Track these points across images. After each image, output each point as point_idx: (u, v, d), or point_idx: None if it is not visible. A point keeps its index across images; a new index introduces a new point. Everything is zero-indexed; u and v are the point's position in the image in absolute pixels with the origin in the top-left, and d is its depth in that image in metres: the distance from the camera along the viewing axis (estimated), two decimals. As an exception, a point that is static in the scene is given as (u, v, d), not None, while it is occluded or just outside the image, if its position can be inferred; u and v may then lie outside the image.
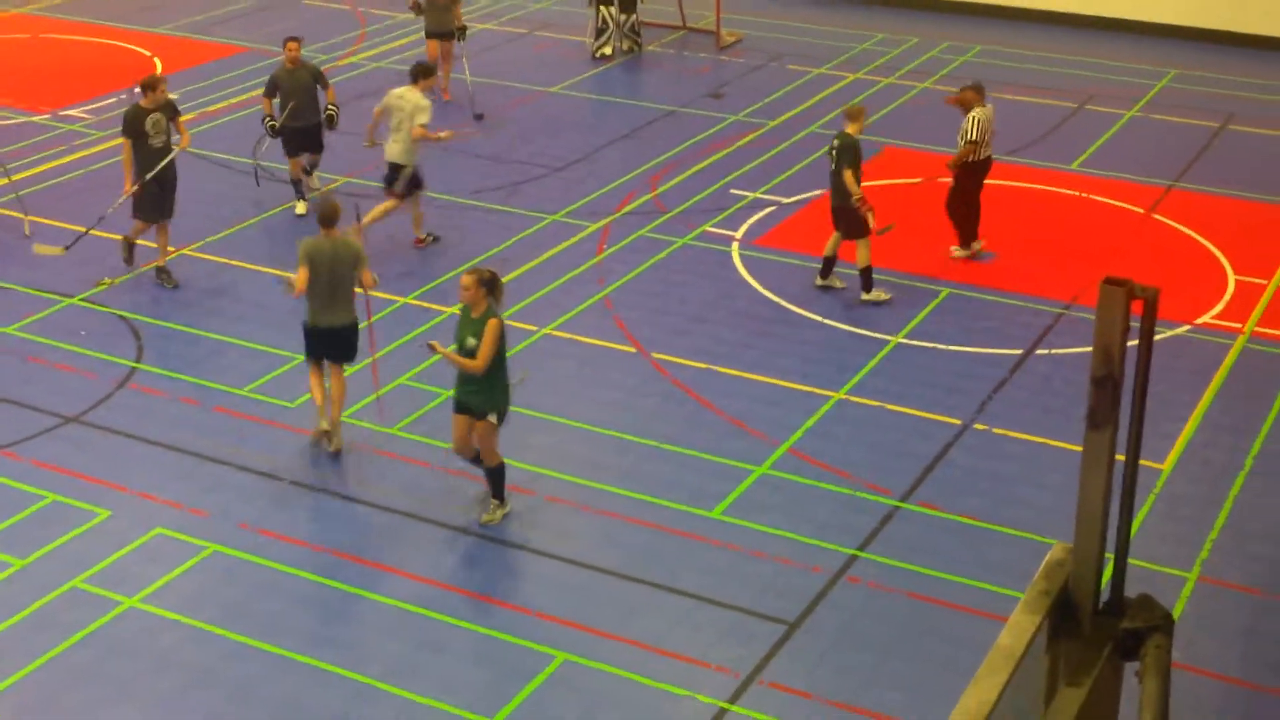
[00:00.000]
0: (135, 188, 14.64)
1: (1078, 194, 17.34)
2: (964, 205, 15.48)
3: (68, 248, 15.14)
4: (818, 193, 17.41)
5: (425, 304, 14.63)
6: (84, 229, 15.35)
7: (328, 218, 11.90)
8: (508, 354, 11.16)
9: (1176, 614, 10.17)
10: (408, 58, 22.36)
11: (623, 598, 10.45)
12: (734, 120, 19.95)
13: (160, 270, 15.08)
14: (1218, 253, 15.94)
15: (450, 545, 11.05)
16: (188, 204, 16.53)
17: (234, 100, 20.55)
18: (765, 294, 14.94)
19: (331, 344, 12.11)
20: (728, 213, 16.85)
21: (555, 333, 14.13)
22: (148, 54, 22.68)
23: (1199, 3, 23.73)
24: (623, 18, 22.78)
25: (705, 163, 18.36)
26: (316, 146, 16.89)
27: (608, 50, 22.77)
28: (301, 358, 13.29)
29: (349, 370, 12.38)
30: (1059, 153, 18.68)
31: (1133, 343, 5.39)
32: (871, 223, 14.35)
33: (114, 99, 20.50)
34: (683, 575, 10.65)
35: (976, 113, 15.10)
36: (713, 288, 15.10)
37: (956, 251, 15.61)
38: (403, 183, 15.70)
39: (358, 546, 10.98)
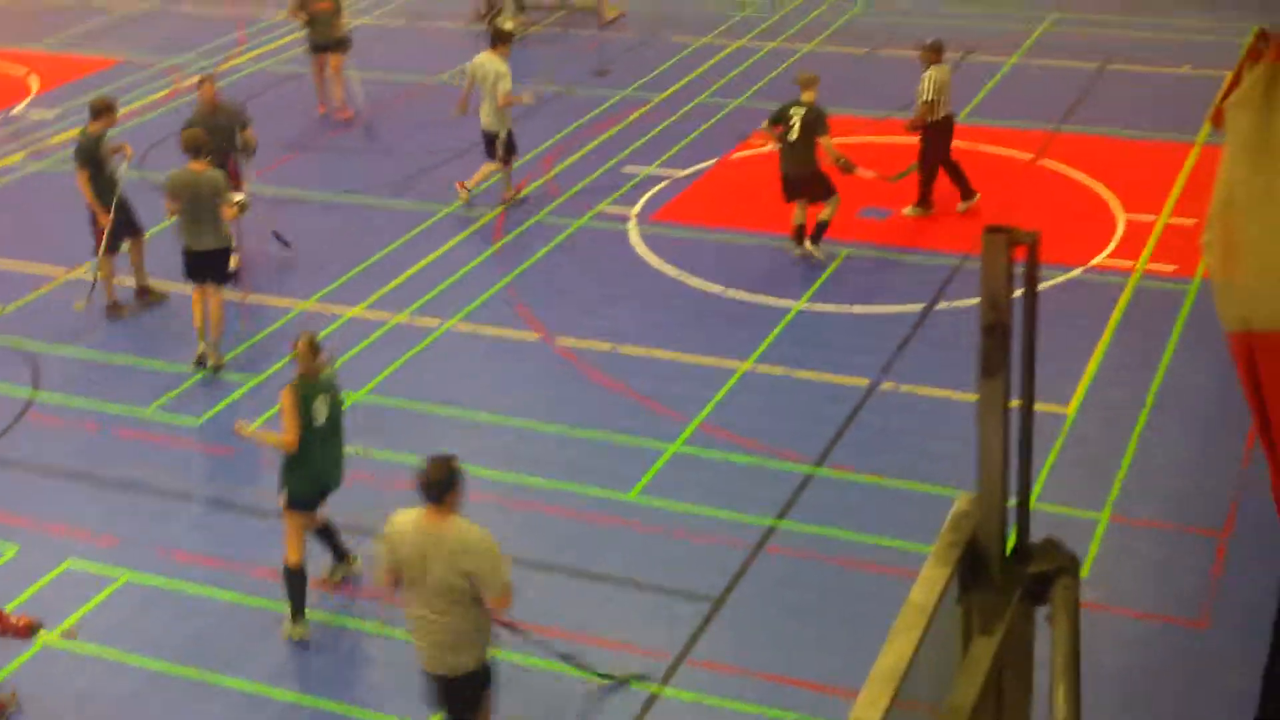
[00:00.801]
0: (109, 218, 14.02)
1: (966, 145, 17.47)
2: (931, 166, 15.56)
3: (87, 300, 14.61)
4: (710, 163, 17.46)
5: (324, 307, 14.46)
6: (91, 280, 14.71)
7: (192, 147, 13.10)
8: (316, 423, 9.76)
9: (1091, 554, 10.32)
10: (288, 58, 22.14)
11: (546, 588, 10.41)
12: (622, 97, 19.92)
13: (144, 290, 14.68)
14: (1106, 193, 16.15)
15: (370, 553, 10.95)
16: (74, 224, 16.26)
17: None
18: (665, 270, 14.94)
19: (205, 266, 13.23)
20: (622, 191, 16.83)
21: (459, 326, 14.05)
22: (23, 71, 22.24)
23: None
24: None
25: (596, 142, 18.32)
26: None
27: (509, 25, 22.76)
28: (201, 373, 13.20)
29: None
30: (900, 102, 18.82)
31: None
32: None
33: (-6, 120, 20.16)
34: (604, 560, 10.65)
35: (932, 71, 15.16)
36: (613, 267, 15.08)
37: (907, 211, 15.72)
38: (502, 148, 16.09)
39: (276, 562, 10.84)
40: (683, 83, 20.32)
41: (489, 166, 16.40)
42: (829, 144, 14.44)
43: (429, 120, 19.38)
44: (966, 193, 15.61)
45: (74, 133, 19.23)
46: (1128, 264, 14.54)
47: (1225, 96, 8.59)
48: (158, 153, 18.69)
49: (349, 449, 10.26)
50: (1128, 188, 16.20)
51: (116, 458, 12.20)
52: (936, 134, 15.37)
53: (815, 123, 14.42)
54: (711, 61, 21.12)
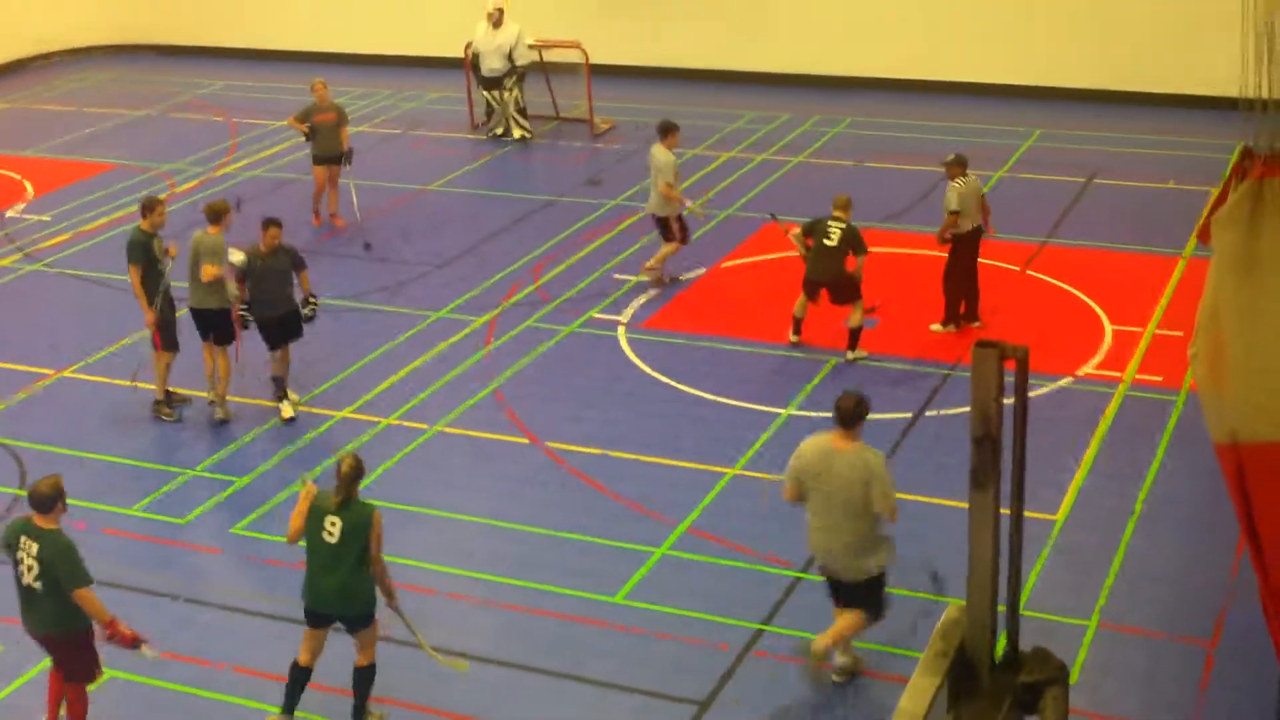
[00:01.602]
0: (155, 314, 14.06)
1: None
2: (957, 280, 15.67)
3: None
4: (700, 272, 17.59)
5: (313, 409, 14.49)
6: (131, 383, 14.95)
7: (212, 214, 14.08)
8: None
9: (1078, 662, 10.28)
10: (282, 164, 22.35)
11: (530, 691, 10.35)
12: (613, 205, 20.10)
13: (172, 398, 14.62)
14: (1093, 304, 16.28)
15: (349, 649, 10.88)
16: (66, 325, 16.38)
17: (104, 220, 20.33)
18: (655, 375, 15.01)
19: (208, 326, 14.11)
20: (612, 298, 16.93)
21: (447, 429, 14.07)
22: (17, 177, 22.42)
23: (1058, 63, 24.37)
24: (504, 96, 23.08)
25: (587, 249, 18.46)
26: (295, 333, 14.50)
27: (499, 130, 23.11)
28: (192, 472, 13.21)
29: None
30: (934, 217, 19.00)
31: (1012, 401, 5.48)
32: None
33: (-14, 224, 20.30)
34: (589, 663, 10.59)
35: (958, 183, 15.36)
36: (602, 373, 15.14)
37: (935, 327, 15.79)
38: (679, 228, 17.18)
39: (255, 660, 10.78)
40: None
41: (667, 248, 17.21)
42: (862, 261, 15.00)
43: (422, 227, 19.54)
44: (969, 316, 15.68)
45: (66, 236, 19.52)
46: (1115, 374, 14.63)
47: (1211, 212, 8.73)
48: (151, 254, 18.79)
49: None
50: (1115, 299, 16.34)
51: (102, 555, 12.08)
52: (964, 247, 15.53)
53: (854, 239, 14.93)
54: (702, 172, 21.34)
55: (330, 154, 19.45)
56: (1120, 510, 12.27)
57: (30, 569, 9.27)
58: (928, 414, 14.02)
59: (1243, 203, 8.41)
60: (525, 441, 13.79)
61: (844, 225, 15.02)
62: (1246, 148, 8.39)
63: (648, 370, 15.15)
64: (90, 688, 9.70)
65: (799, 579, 11.46)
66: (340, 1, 28.97)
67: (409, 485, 13.05)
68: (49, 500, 9.31)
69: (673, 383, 14.85)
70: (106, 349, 16.10)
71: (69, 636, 9.49)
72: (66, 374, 15.51)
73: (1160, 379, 14.44)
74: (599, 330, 16.11)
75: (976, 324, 15.72)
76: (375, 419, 14.23)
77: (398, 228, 19.56)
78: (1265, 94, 8.16)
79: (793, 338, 15.49)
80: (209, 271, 13.83)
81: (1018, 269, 17.38)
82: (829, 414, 13.91)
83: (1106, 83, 24.17)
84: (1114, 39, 23.88)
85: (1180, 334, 14.70)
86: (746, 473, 13.06)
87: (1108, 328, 15.67)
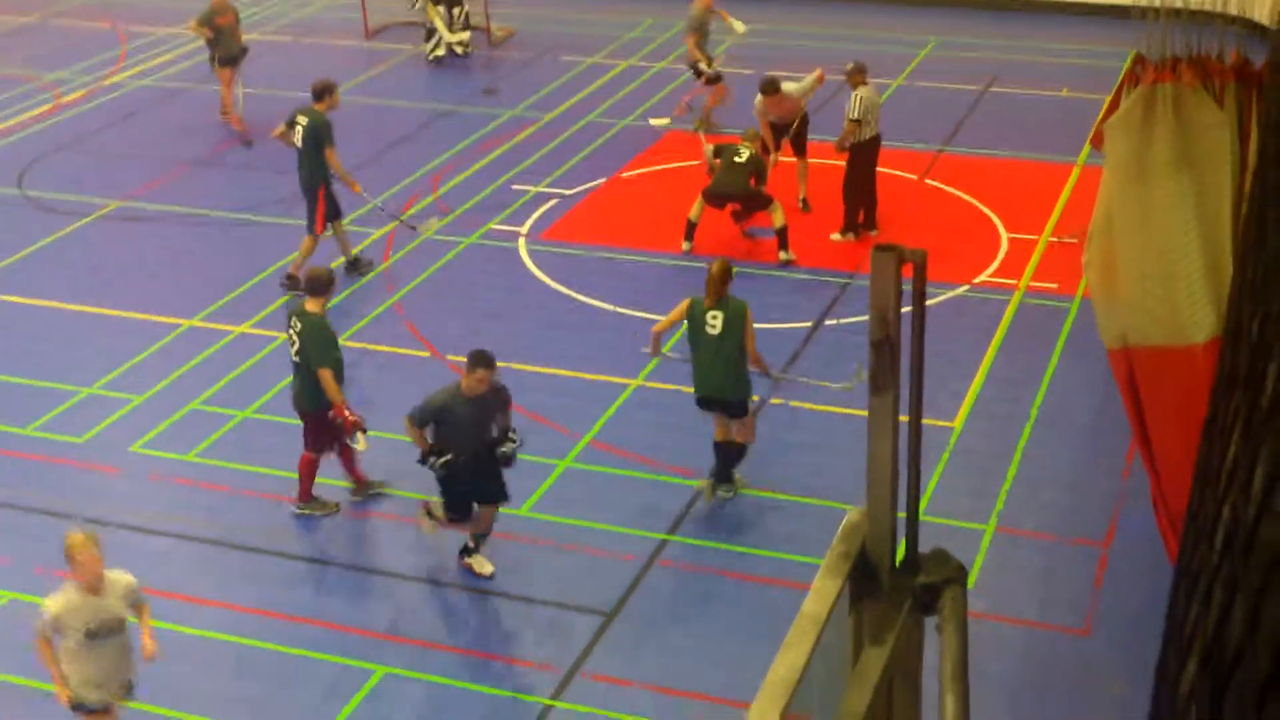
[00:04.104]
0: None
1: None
2: (857, 189, 15.73)
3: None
4: (599, 182, 17.53)
5: (210, 324, 14.31)
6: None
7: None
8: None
9: (977, 565, 10.51)
10: (171, 74, 21.88)
11: (438, 604, 10.39)
12: (511, 116, 19.93)
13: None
14: (990, 213, 16.45)
15: (258, 569, 10.86)
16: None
17: (-7, 131, 19.85)
18: (555, 287, 14.98)
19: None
20: (511, 209, 16.83)
21: (348, 343, 13.91)
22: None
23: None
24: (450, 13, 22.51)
25: (485, 160, 18.31)
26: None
27: (440, 52, 22.49)
28: (89, 390, 13.01)
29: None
30: (832, 126, 19.05)
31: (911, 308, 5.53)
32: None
33: None
34: (496, 576, 10.63)
35: (860, 92, 15.38)
36: (503, 285, 15.08)
37: (835, 236, 15.87)
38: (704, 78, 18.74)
39: (160, 580, 10.69)
40: (571, 102, 20.38)
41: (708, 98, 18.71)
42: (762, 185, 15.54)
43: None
44: (868, 224, 15.80)
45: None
46: (1011, 282, 14.82)
47: (1104, 119, 8.84)
48: (38, 169, 18.40)
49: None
50: (1011, 208, 16.52)
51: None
52: (864, 155, 15.60)
53: (760, 166, 15.46)
54: (600, 81, 21.21)
55: (234, 55, 19.44)
56: (1016, 416, 12.49)
57: (293, 344, 10.86)
58: (827, 323, 14.13)
59: (1135, 109, 8.52)
60: (426, 355, 13.73)
61: (753, 151, 15.41)
62: (1139, 55, 8.49)
63: (548, 281, 15.11)
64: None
65: (702, 488, 11.56)
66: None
67: (310, 400, 12.95)
68: (320, 285, 10.96)
69: (574, 294, 14.83)
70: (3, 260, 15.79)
71: (313, 412, 10.99)
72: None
73: (1055, 286, 14.66)
74: (499, 241, 16.03)
75: (874, 233, 15.83)
76: (274, 334, 14.07)
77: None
78: (1158, 1, 8.26)
79: (685, 245, 15.57)
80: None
81: (915, 178, 17.50)
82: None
83: (1002, -10, 24.30)
84: (1010, -54, 23.98)
85: (1074, 240, 14.90)
86: (648, 384, 13.11)
87: (1004, 235, 15.85)
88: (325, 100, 14.97)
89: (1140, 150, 8.52)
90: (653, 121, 19.25)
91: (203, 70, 21.81)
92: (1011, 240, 15.73)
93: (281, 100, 20.42)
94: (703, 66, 18.91)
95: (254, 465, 12.03)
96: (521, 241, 16.03)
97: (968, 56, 22.06)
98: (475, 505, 10.54)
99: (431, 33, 22.32)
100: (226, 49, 19.36)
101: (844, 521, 5.85)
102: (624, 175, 17.86)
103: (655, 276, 15.20)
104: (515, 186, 17.47)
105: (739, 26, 19.30)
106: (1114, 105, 8.73)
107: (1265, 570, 2.42)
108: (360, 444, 11.02)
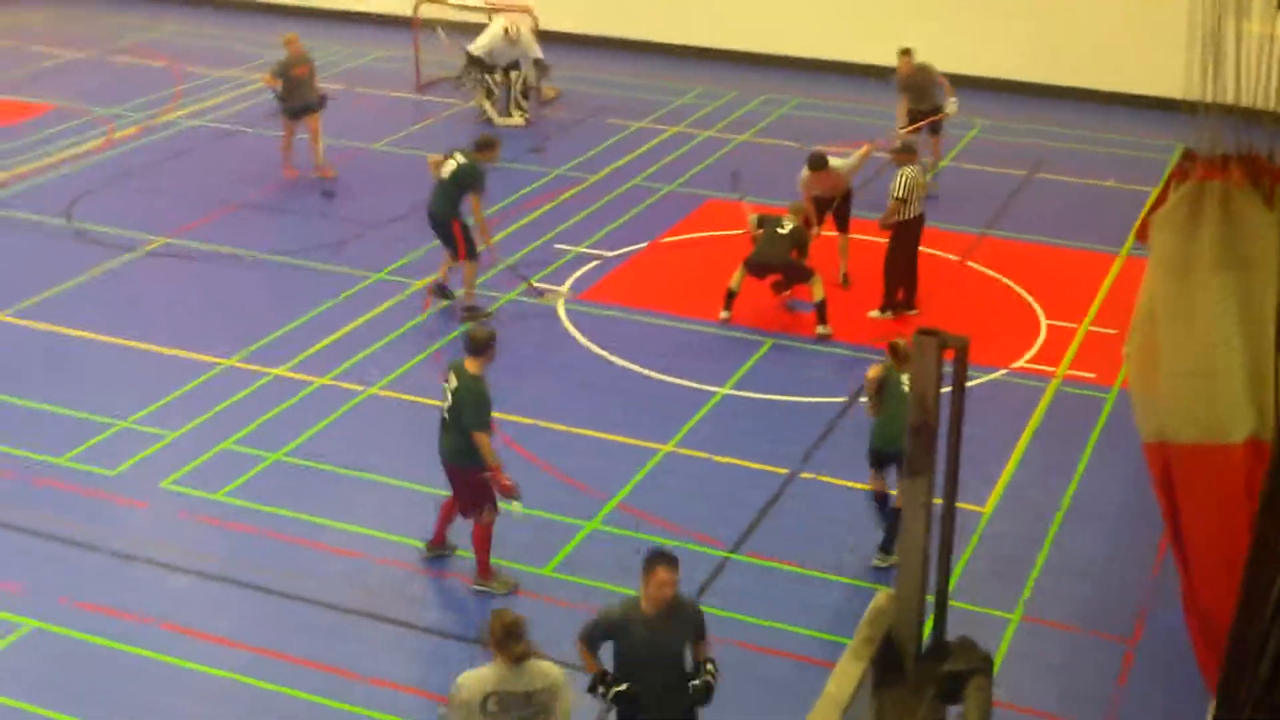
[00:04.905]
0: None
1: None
2: (898, 267, 15.76)
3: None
4: (641, 245, 17.59)
5: (248, 365, 14.39)
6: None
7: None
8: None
9: (1000, 654, 10.41)
10: (225, 115, 22.11)
11: (464, 662, 10.33)
12: (556, 175, 20.04)
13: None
14: (1030, 298, 16.42)
15: (279, 611, 10.85)
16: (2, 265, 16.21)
17: (42, 161, 20.05)
18: (592, 348, 15.00)
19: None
20: (552, 267, 16.90)
21: (382, 393, 14.01)
22: (-46, 114, 22.10)
23: (1004, 55, 24.49)
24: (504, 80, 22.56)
25: (529, 218, 18.40)
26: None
27: (494, 114, 22.46)
28: (123, 424, 13.06)
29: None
30: (876, 203, 19.10)
31: (948, 390, 5.52)
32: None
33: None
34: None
35: (906, 170, 15.45)
36: (539, 343, 15.11)
37: (874, 313, 15.88)
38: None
39: (180, 617, 10.73)
40: (617, 165, 20.49)
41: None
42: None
43: (365, 186, 19.41)
44: (907, 303, 15.81)
45: (1, 177, 19.20)
46: (1049, 369, 14.78)
47: (1151, 212, 8.82)
48: (87, 201, 18.60)
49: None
50: (1051, 294, 16.49)
51: (30, 504, 12.02)
52: (907, 233, 15.63)
53: (803, 239, 15.57)
54: (647, 146, 21.32)
55: (308, 103, 19.41)
56: (1048, 504, 12.41)
57: (446, 400, 10.83)
58: (861, 400, 14.08)
59: (1181, 205, 8.49)
60: (460, 408, 13.73)
61: (796, 223, 15.52)
62: (1188, 149, 8.48)
63: (585, 342, 15.14)
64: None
65: (728, 559, 11.52)
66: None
67: (343, 447, 12.99)
68: (480, 346, 10.88)
69: (609, 356, 14.85)
70: (42, 293, 15.89)
71: (462, 470, 10.90)
72: (2, 318, 15.29)
73: (1093, 375, 14.60)
74: (538, 300, 16.07)
75: (914, 312, 15.83)
76: (310, 378, 14.14)
77: (340, 185, 19.38)
78: (1209, 97, 8.25)
79: (723, 314, 15.59)
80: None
81: (957, 259, 17.50)
82: (765, 394, 14.10)
83: (1052, 77, 24.33)
84: (1062, 34, 24.00)
85: (1114, 331, 14.86)
86: (680, 450, 13.10)
87: (1043, 322, 15.81)
88: (486, 153, 15.59)
89: (1186, 246, 8.49)
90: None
91: (255, 113, 22.09)
92: (1051, 327, 15.69)
93: (331, 149, 20.64)
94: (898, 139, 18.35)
95: (282, 508, 12.04)
96: (560, 300, 16.07)
97: (1014, 141, 22.09)
98: None
99: (490, 91, 22.47)
100: (303, 98, 19.32)
101: (871, 605, 5.83)
102: (665, 240, 17.92)
103: (692, 343, 15.22)
104: (557, 246, 17.55)
105: (951, 108, 19.33)
106: (1161, 199, 8.71)
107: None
108: (516, 508, 10.85)
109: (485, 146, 15.67)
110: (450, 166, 15.50)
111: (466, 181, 15.41)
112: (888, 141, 17.61)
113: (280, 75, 19.26)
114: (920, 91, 19.35)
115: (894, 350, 11.50)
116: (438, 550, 11.47)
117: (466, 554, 11.31)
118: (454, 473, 11.03)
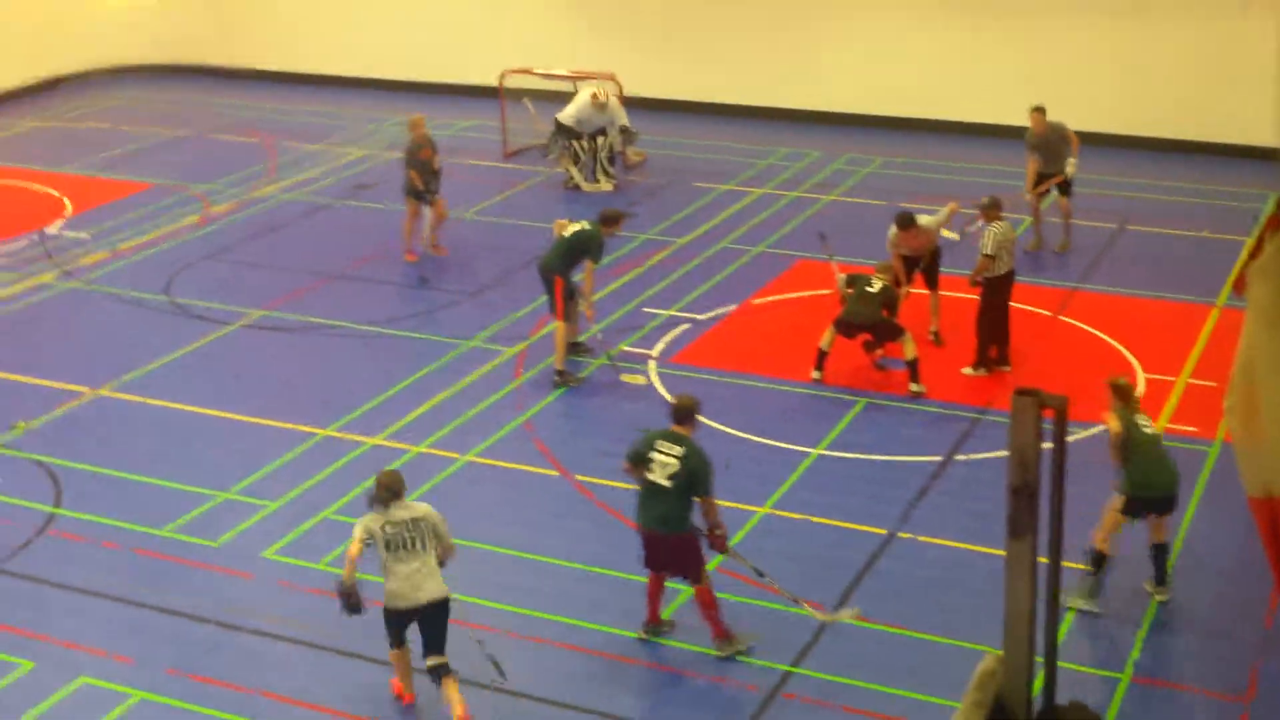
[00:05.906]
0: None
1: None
2: (989, 323, 15.72)
3: None
4: (730, 308, 17.63)
5: (345, 434, 14.56)
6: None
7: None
8: None
9: (1111, 716, 10.24)
10: (317, 189, 22.49)
11: (556, 726, 10.36)
12: (644, 239, 20.16)
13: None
14: (1126, 352, 16.25)
15: (384, 680, 10.91)
16: (101, 341, 16.51)
17: (141, 238, 20.49)
18: (685, 411, 15.00)
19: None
20: (642, 332, 16.98)
21: (476, 459, 14.11)
22: (56, 194, 22.62)
23: (1091, 109, 24.33)
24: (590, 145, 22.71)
25: (618, 283, 18.52)
26: None
27: (581, 181, 22.71)
28: (225, 494, 13.22)
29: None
30: (966, 259, 19.03)
31: (1047, 446, 5.49)
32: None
33: (25, 240, 20.46)
34: (617, 699, 10.60)
35: (994, 227, 15.44)
36: (632, 407, 15.16)
37: (967, 370, 15.83)
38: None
39: (284, 687, 10.82)
40: (704, 228, 20.59)
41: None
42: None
43: (455, 255, 19.63)
44: (1000, 360, 15.72)
45: (104, 254, 19.64)
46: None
47: (1247, 263, 8.73)
48: (185, 276, 18.97)
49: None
50: (1147, 347, 16.31)
51: (134, 576, 12.21)
52: (997, 290, 15.58)
53: (893, 299, 15.56)
54: (734, 208, 21.41)
55: (435, 185, 19.35)
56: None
57: (665, 466, 10.79)
58: (957, 458, 14.01)
59: (1278, 255, 8.41)
60: (555, 474, 13.82)
61: (885, 282, 15.53)
62: (1282, 200, 8.39)
63: (678, 405, 15.14)
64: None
65: (828, 621, 11.45)
66: (371, 28, 29.08)
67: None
68: (688, 413, 11.19)
69: (702, 419, 14.82)
70: (144, 367, 16.21)
71: (677, 534, 10.87)
72: (104, 392, 15.60)
73: (1194, 429, 14.39)
74: (629, 364, 16.15)
75: (1007, 368, 15.72)
76: (406, 447, 14.28)
77: (430, 258, 19.62)
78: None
79: (815, 374, 15.59)
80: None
81: (1049, 314, 17.37)
82: (860, 454, 14.04)
83: (1140, 129, 24.16)
84: (1149, 86, 23.88)
85: (1214, 384, 14.66)
86: (777, 512, 13.07)
87: (1140, 376, 15.64)
88: (610, 226, 16.03)
89: (1283, 297, 8.39)
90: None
91: (345, 186, 22.47)
92: (1149, 380, 15.51)
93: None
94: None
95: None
96: (652, 365, 16.14)
97: (1102, 194, 21.93)
98: None
99: (576, 158, 22.66)
100: (430, 182, 19.24)
101: (979, 667, 5.78)
102: (755, 302, 17.95)
103: (784, 404, 15.21)
104: (647, 309, 17.64)
105: (1070, 169, 19.25)
106: (1257, 249, 8.62)
107: None
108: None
109: (611, 220, 16.07)
110: (573, 228, 15.83)
111: (584, 245, 15.74)
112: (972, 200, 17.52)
113: (412, 164, 19.12)
114: (1052, 150, 19.23)
115: (1120, 392, 11.70)
116: (655, 629, 11.32)
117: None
118: (661, 541, 10.90)
